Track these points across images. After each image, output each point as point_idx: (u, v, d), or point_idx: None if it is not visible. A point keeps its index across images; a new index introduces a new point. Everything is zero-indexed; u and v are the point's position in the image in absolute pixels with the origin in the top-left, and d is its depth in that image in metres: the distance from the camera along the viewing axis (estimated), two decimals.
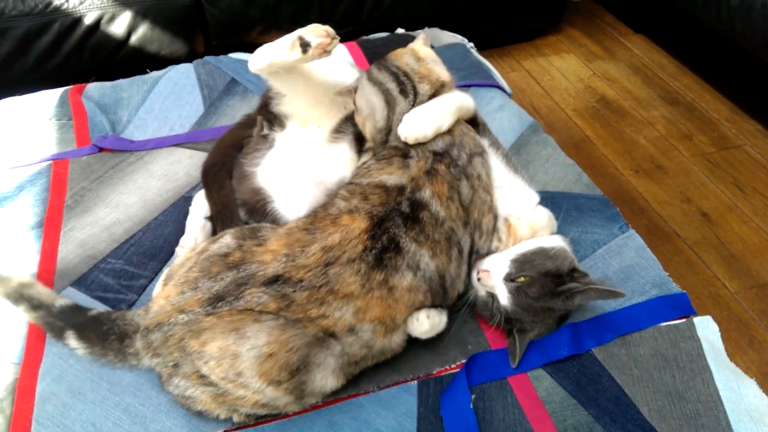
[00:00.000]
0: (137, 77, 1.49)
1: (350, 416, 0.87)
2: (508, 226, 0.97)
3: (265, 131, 1.13)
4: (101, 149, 1.29)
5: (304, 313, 0.78)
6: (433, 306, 0.87)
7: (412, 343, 0.94)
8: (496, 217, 0.96)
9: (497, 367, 0.92)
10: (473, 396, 0.87)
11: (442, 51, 1.56)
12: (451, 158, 0.92)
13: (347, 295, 0.79)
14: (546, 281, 0.91)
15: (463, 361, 0.93)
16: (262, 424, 0.86)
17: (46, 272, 1.05)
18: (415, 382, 0.91)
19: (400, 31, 1.73)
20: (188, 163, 1.25)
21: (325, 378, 0.80)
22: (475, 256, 0.94)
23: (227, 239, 0.86)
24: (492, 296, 0.94)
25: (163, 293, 0.85)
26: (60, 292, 1.01)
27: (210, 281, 0.81)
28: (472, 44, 1.68)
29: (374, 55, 1.56)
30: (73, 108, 1.37)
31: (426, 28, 1.73)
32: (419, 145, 0.92)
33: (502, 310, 0.92)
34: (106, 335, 0.87)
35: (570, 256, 0.95)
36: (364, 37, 1.68)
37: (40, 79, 1.78)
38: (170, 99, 1.42)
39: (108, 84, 1.47)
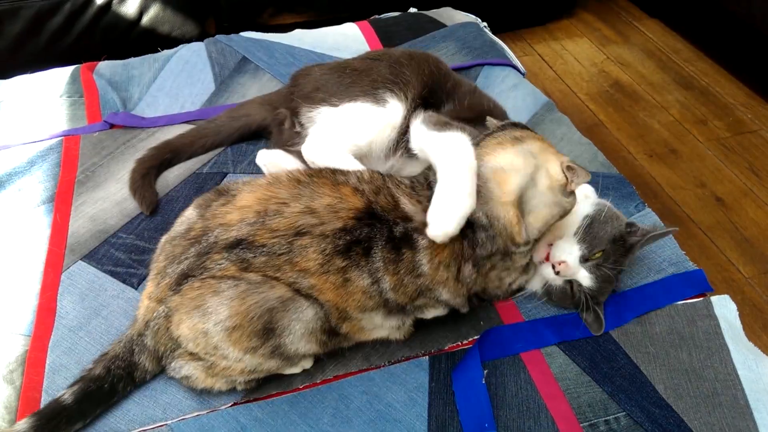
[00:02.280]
0: (148, 55, 1.48)
1: (361, 390, 0.86)
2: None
3: (297, 128, 1.11)
4: (112, 126, 1.28)
5: (263, 274, 0.76)
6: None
7: (424, 319, 0.94)
8: (522, 272, 0.91)
9: (510, 343, 0.91)
10: (485, 371, 0.86)
11: (455, 29, 1.56)
12: (474, 237, 0.82)
13: (304, 270, 0.76)
14: (615, 247, 0.90)
15: (476, 337, 0.92)
16: (272, 397, 0.86)
17: (57, 246, 1.05)
18: (427, 357, 0.90)
19: (412, 10, 1.71)
20: None
21: (295, 342, 0.78)
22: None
23: (189, 211, 0.85)
24: (570, 284, 0.91)
25: (146, 291, 0.84)
26: (70, 266, 1.01)
27: (175, 264, 0.79)
28: (485, 24, 1.66)
29: (386, 35, 1.55)
30: (85, 85, 1.37)
31: (443, 8, 1.70)
32: None
33: (586, 292, 0.90)
34: (112, 391, 0.82)
35: (616, 211, 0.93)
36: (377, 16, 1.66)
37: (53, 58, 1.76)
38: (181, 77, 1.41)
39: (119, 62, 1.46)
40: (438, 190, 0.81)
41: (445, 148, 0.85)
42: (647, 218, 1.11)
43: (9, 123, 1.28)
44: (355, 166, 0.95)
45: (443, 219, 0.78)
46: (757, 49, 2.36)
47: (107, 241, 1.06)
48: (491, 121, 0.92)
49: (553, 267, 0.89)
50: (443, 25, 1.59)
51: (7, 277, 1.00)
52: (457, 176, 0.81)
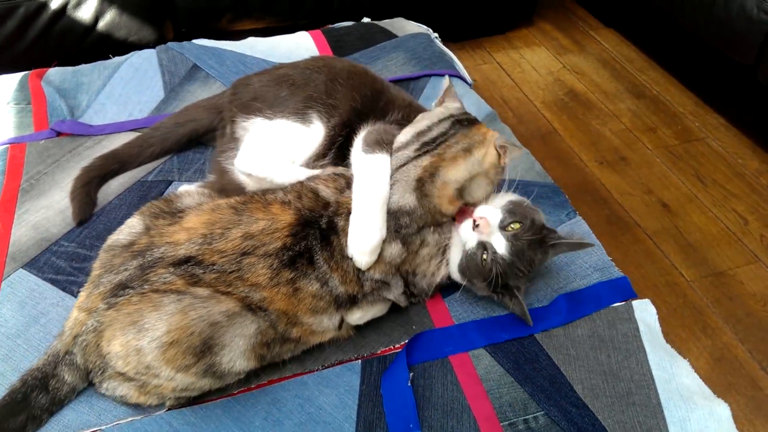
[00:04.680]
0: (99, 62, 1.49)
1: (293, 394, 0.89)
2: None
3: (236, 135, 1.14)
4: (59, 134, 1.29)
5: (214, 288, 0.79)
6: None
7: (359, 324, 0.97)
8: (444, 255, 0.96)
9: (439, 346, 0.95)
10: (412, 374, 0.90)
11: (405, 40, 1.60)
12: (397, 223, 0.90)
13: (255, 284, 0.80)
14: (534, 228, 0.94)
15: (407, 341, 0.96)
16: (206, 402, 0.88)
17: None
18: (359, 361, 0.94)
19: (366, 20, 1.75)
20: None
21: (234, 360, 0.80)
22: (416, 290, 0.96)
23: (133, 221, 0.88)
24: (484, 250, 0.91)
25: (77, 302, 0.85)
26: (11, 274, 1.02)
27: (112, 275, 0.81)
28: (436, 35, 1.70)
29: (338, 45, 1.58)
30: (33, 92, 1.37)
31: (395, 19, 1.74)
32: None
33: (498, 261, 0.91)
34: (24, 403, 0.81)
35: (537, 211, 0.98)
36: (330, 26, 1.69)
37: (6, 64, 1.76)
38: (131, 84, 1.42)
39: (69, 69, 1.47)
40: (351, 223, 0.87)
41: (363, 177, 0.90)
42: (577, 226, 1.16)
43: None
44: (288, 168, 1.00)
45: (360, 252, 0.86)
46: (706, 60, 2.46)
47: (49, 249, 1.07)
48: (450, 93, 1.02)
49: (474, 222, 0.92)
50: (394, 36, 1.63)
51: None
52: (368, 211, 0.87)
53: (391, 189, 0.91)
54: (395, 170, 0.92)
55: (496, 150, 0.93)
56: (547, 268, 1.07)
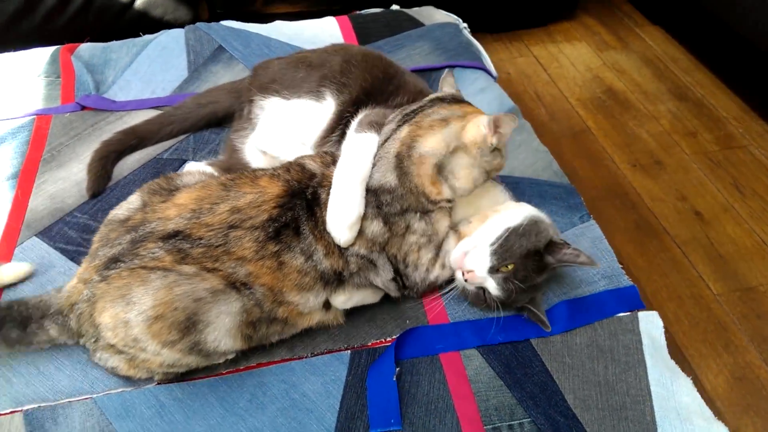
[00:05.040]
0: (129, 40, 1.52)
1: (280, 379, 0.90)
2: (459, 234, 0.97)
3: (251, 116, 1.16)
4: (84, 107, 1.32)
5: (200, 264, 0.80)
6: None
7: (352, 314, 0.97)
8: (437, 252, 0.95)
9: (431, 343, 0.94)
10: (398, 369, 0.89)
11: (432, 29, 1.57)
12: (378, 200, 0.89)
13: (241, 258, 0.81)
14: (528, 262, 0.91)
15: (398, 335, 0.95)
16: (195, 380, 0.89)
17: (15, 221, 1.09)
18: (349, 351, 0.94)
19: (395, 7, 1.72)
20: None
21: (219, 339, 0.81)
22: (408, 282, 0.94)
23: (133, 197, 0.91)
24: (480, 289, 0.94)
25: (78, 270, 0.88)
26: (24, 241, 1.06)
27: (107, 248, 0.83)
28: (465, 25, 1.67)
29: (363, 31, 1.56)
30: (63, 66, 1.41)
31: (424, 7, 1.71)
32: None
33: (496, 299, 0.93)
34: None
35: (542, 227, 0.94)
36: (358, 12, 1.68)
37: (45, 38, 1.82)
38: (157, 62, 1.45)
39: (100, 45, 1.50)
40: (331, 199, 0.87)
41: (347, 154, 0.91)
42: (590, 230, 1.13)
43: None
44: (299, 150, 1.02)
45: (338, 229, 0.86)
46: (755, 65, 2.34)
47: (62, 219, 1.10)
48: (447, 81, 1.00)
49: (462, 275, 0.93)
50: (421, 24, 1.61)
51: None
52: (347, 186, 0.87)
53: (374, 167, 0.91)
54: (380, 147, 0.92)
55: (482, 126, 0.89)
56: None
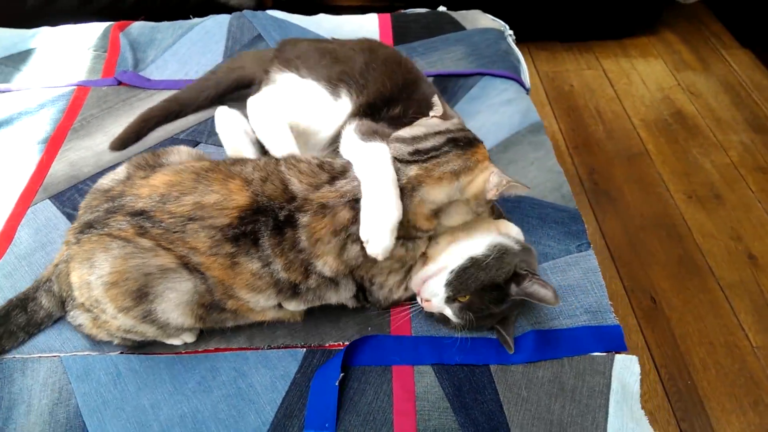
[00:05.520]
0: (177, 21, 1.59)
1: (232, 366, 0.92)
2: (426, 258, 0.94)
3: (264, 86, 1.17)
4: (120, 83, 1.40)
5: (156, 242, 0.82)
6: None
7: (315, 313, 0.97)
8: (405, 275, 0.94)
9: (386, 354, 0.92)
10: (342, 374, 0.88)
11: (472, 34, 1.54)
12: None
13: (194, 248, 0.82)
14: (485, 294, 0.89)
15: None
16: (154, 354, 0.93)
17: (35, 183, 1.18)
18: (304, 349, 0.94)
19: (441, 8, 1.69)
20: None
21: (167, 312, 0.83)
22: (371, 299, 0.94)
23: (120, 169, 0.95)
24: (441, 314, 0.93)
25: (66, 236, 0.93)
26: (38, 203, 1.14)
27: (87, 214, 0.88)
28: (511, 32, 1.61)
29: (401, 31, 1.55)
30: (111, 42, 1.50)
31: (472, 11, 1.67)
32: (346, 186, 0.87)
33: (457, 324, 0.92)
34: (4, 318, 0.92)
35: (507, 259, 0.90)
36: (402, 11, 1.66)
37: (116, 14, 1.93)
38: (197, 46, 1.51)
39: (149, 24, 1.58)
40: (364, 206, 0.84)
41: (368, 161, 0.88)
42: (585, 261, 1.06)
43: (38, 67, 1.44)
44: (281, 136, 1.02)
45: (377, 236, 0.83)
46: None
47: (75, 186, 1.17)
48: (436, 108, 0.95)
49: (421, 301, 0.92)
50: (462, 28, 1.57)
51: None
52: (381, 191, 0.84)
53: None
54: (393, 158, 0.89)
55: (489, 186, 0.86)
56: None
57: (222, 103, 1.22)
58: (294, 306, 0.90)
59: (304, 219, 0.84)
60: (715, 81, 2.40)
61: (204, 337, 0.95)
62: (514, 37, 1.62)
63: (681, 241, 1.87)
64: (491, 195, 0.86)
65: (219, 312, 0.88)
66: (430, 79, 1.41)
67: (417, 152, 0.88)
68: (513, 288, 0.88)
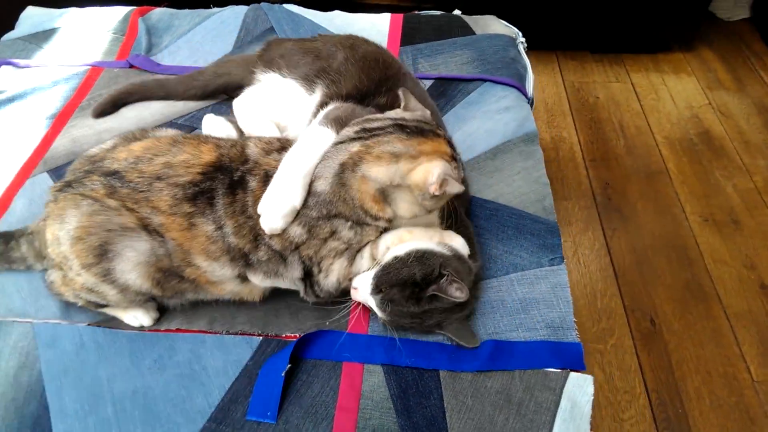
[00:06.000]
0: (198, 10, 1.64)
1: (189, 347, 0.94)
2: (372, 260, 0.95)
3: (250, 85, 1.22)
4: (132, 66, 1.45)
5: (122, 202, 0.86)
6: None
7: (277, 303, 0.99)
8: (351, 262, 0.94)
9: (338, 350, 0.93)
10: (289, 366, 0.89)
11: (480, 39, 1.52)
12: (306, 203, 0.89)
13: (156, 208, 0.86)
14: (404, 291, 0.90)
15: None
16: (119, 329, 0.96)
17: (37, 155, 1.24)
18: (260, 338, 0.96)
19: (457, 12, 1.68)
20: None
21: (125, 272, 0.87)
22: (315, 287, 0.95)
23: (109, 140, 1.00)
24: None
25: None
26: (36, 175, 1.20)
27: (70, 175, 0.93)
28: (523, 39, 1.59)
29: (410, 32, 1.56)
30: (130, 26, 1.56)
31: (485, 16, 1.66)
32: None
33: (384, 318, 0.93)
34: None
35: (428, 262, 0.90)
36: (416, 12, 1.66)
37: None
38: (210, 35, 1.55)
39: (170, 11, 1.64)
40: (272, 182, 0.87)
41: (300, 143, 0.91)
42: (555, 275, 1.04)
43: (59, 46, 1.51)
44: (270, 128, 1.08)
45: (270, 215, 0.86)
46: None
47: (72, 161, 1.22)
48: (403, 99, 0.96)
49: (352, 289, 0.95)
50: (472, 33, 1.56)
51: None
52: (291, 173, 0.87)
53: (318, 164, 0.90)
54: (332, 146, 0.91)
55: (431, 178, 0.85)
56: (491, 307, 0.99)
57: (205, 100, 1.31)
58: (254, 278, 0.92)
59: (252, 183, 0.89)
60: (749, 102, 2.30)
61: (167, 317, 0.98)
62: (525, 45, 1.59)
63: (690, 264, 1.80)
64: (433, 189, 0.85)
65: (178, 281, 0.91)
66: (430, 82, 1.41)
67: (362, 130, 0.91)
68: (432, 286, 0.89)
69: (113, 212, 0.86)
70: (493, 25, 1.60)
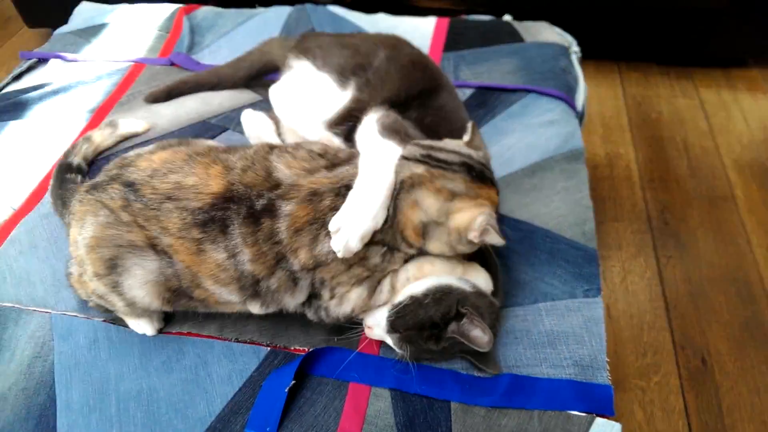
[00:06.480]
0: (243, 9, 1.64)
1: (197, 352, 0.92)
2: (393, 294, 0.90)
3: (283, 71, 1.19)
4: (173, 64, 1.46)
5: (134, 218, 0.84)
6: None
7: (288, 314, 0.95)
8: (368, 291, 0.89)
9: (346, 369, 0.88)
10: (293, 382, 0.85)
11: (529, 48, 1.45)
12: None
13: (165, 228, 0.83)
14: (422, 332, 0.85)
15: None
16: (128, 328, 0.95)
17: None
18: (268, 348, 0.92)
19: (507, 17, 1.61)
20: (226, 95, 1.36)
21: (133, 288, 0.85)
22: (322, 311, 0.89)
23: (150, 146, 0.97)
24: None
25: None
26: None
27: (102, 174, 0.92)
28: (577, 49, 1.50)
29: (455, 38, 1.50)
30: (174, 24, 1.57)
31: (538, 23, 1.58)
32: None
33: (401, 354, 0.88)
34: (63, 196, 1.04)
35: (446, 301, 0.84)
36: (463, 17, 1.60)
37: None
38: (251, 35, 1.54)
39: (216, 10, 1.64)
40: (350, 196, 0.82)
41: (375, 156, 0.86)
42: (589, 308, 0.96)
43: (106, 41, 1.54)
44: (299, 122, 1.08)
45: (348, 235, 0.80)
46: None
47: (106, 156, 1.23)
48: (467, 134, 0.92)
49: (366, 328, 0.90)
50: (521, 40, 1.48)
51: (32, 162, 1.23)
52: (373, 190, 0.82)
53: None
54: (399, 159, 0.87)
55: (474, 224, 0.81)
56: (515, 337, 0.92)
57: (252, 86, 1.29)
58: (253, 308, 0.88)
59: (287, 207, 0.83)
60: None
61: (178, 319, 0.96)
62: (580, 55, 1.50)
63: (753, 301, 1.65)
64: (473, 236, 0.81)
65: (188, 300, 0.89)
66: (470, 91, 1.35)
67: (429, 157, 0.86)
68: (452, 326, 0.83)
69: (124, 227, 0.85)
70: (544, 33, 1.52)
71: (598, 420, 0.84)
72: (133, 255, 0.84)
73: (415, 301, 0.85)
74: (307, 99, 1.09)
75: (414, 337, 0.84)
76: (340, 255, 0.81)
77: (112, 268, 0.85)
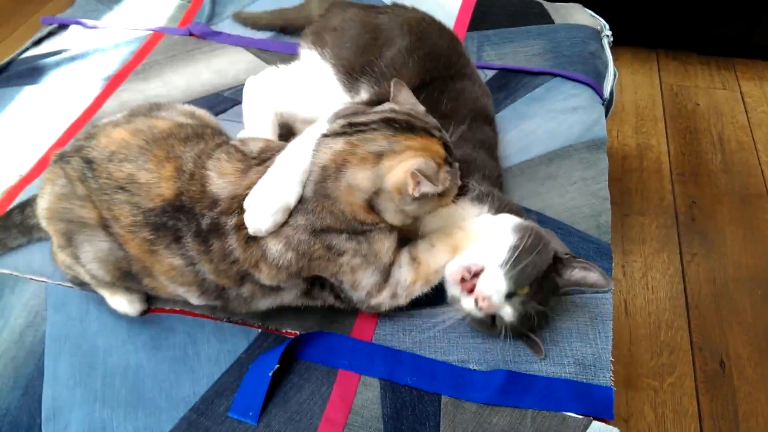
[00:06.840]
0: None
1: (187, 331, 0.91)
2: (418, 265, 0.85)
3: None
4: (192, 34, 1.44)
5: (88, 194, 0.81)
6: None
7: None
8: (385, 278, 0.83)
9: (336, 355, 0.86)
10: (277, 366, 0.82)
11: (557, 30, 1.39)
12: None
13: (116, 218, 0.79)
14: (544, 282, 0.82)
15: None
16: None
17: (86, 116, 1.25)
18: (259, 330, 0.90)
19: None
20: (242, 68, 1.34)
21: (88, 263, 0.82)
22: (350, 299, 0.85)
23: (120, 114, 0.92)
24: (491, 317, 0.83)
25: None
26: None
27: (72, 142, 0.88)
28: (609, 33, 1.42)
29: (481, 16, 1.44)
30: None
31: (569, 4, 1.50)
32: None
33: (508, 326, 0.83)
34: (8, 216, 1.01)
35: (544, 239, 0.82)
36: None
37: None
38: (272, 6, 1.50)
39: None
40: (264, 176, 0.78)
41: (302, 137, 0.82)
42: (598, 304, 0.91)
43: (128, 9, 1.52)
44: (267, 129, 0.99)
45: (258, 212, 0.76)
46: None
47: None
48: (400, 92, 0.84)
49: (476, 301, 0.80)
50: (551, 21, 1.41)
51: (43, 128, 1.22)
52: (280, 170, 0.78)
53: None
54: (319, 139, 0.79)
55: (406, 172, 0.73)
56: None
57: None
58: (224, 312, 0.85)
59: (231, 222, 0.78)
60: None
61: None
62: (611, 40, 1.43)
63: None
64: (411, 191, 0.73)
65: (137, 284, 0.86)
66: (492, 73, 1.29)
67: (349, 125, 0.78)
68: (560, 275, 0.82)
69: (78, 201, 0.81)
70: (576, 15, 1.45)
71: (595, 423, 0.80)
72: (82, 233, 0.82)
73: (524, 251, 0.79)
74: (312, 98, 1.05)
75: (536, 292, 0.80)
76: (251, 232, 0.76)
77: (69, 240, 0.83)
